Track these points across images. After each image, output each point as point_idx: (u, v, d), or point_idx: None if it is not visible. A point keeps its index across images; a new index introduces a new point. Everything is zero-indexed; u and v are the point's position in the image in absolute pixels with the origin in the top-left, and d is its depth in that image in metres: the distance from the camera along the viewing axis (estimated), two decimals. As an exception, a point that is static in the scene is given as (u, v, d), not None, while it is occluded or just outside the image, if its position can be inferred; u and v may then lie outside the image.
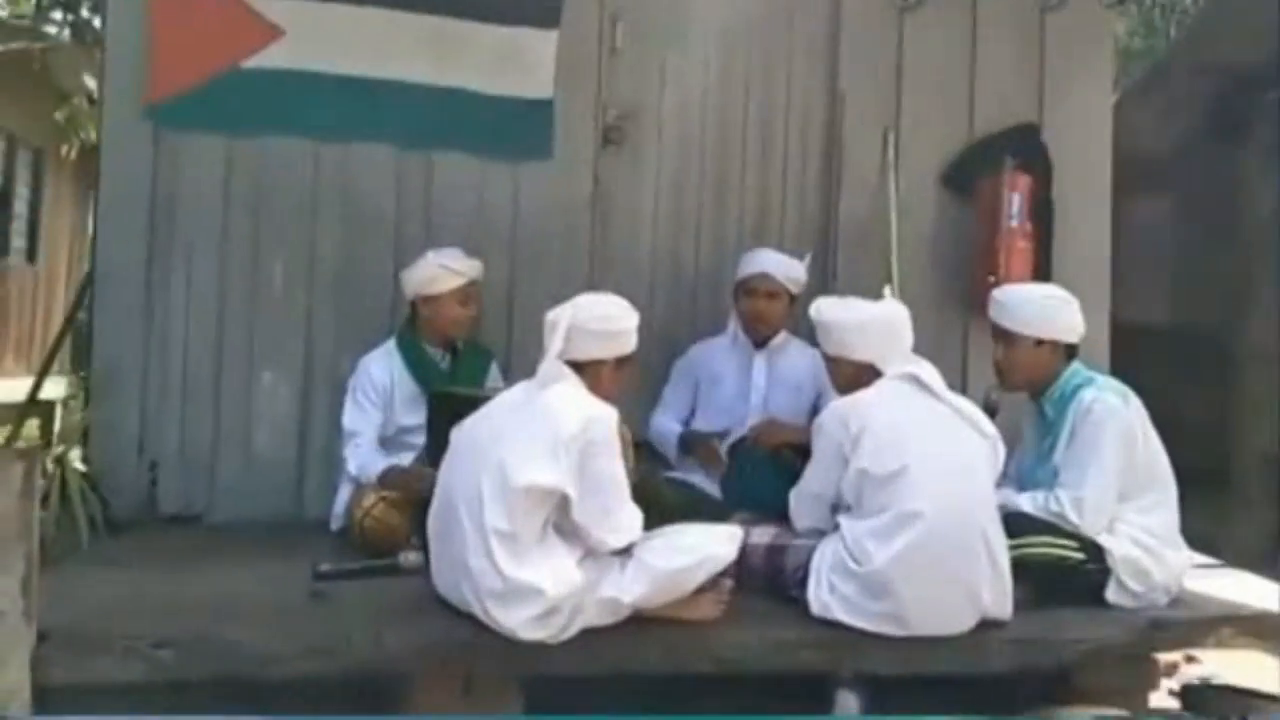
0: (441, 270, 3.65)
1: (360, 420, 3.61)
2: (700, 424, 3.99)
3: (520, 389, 2.86)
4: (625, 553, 2.72)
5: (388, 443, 3.64)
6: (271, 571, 3.10)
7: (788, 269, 3.97)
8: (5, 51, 8.10)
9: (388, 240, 4.02)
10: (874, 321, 3.06)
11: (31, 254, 9.57)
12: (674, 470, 3.92)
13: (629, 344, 2.90)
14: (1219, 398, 6.36)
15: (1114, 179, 4.64)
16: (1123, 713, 2.94)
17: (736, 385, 3.99)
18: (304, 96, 3.96)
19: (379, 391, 3.65)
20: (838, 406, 3.03)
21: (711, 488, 3.79)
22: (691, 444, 3.89)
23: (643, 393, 4.14)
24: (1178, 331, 6.49)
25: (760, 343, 3.99)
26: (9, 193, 9.19)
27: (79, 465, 3.73)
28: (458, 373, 3.72)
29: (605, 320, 2.84)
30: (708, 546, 2.78)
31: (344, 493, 3.56)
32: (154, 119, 3.88)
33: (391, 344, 3.74)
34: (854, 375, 3.10)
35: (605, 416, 2.72)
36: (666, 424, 3.99)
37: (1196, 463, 4.00)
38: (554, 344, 2.79)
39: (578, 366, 2.82)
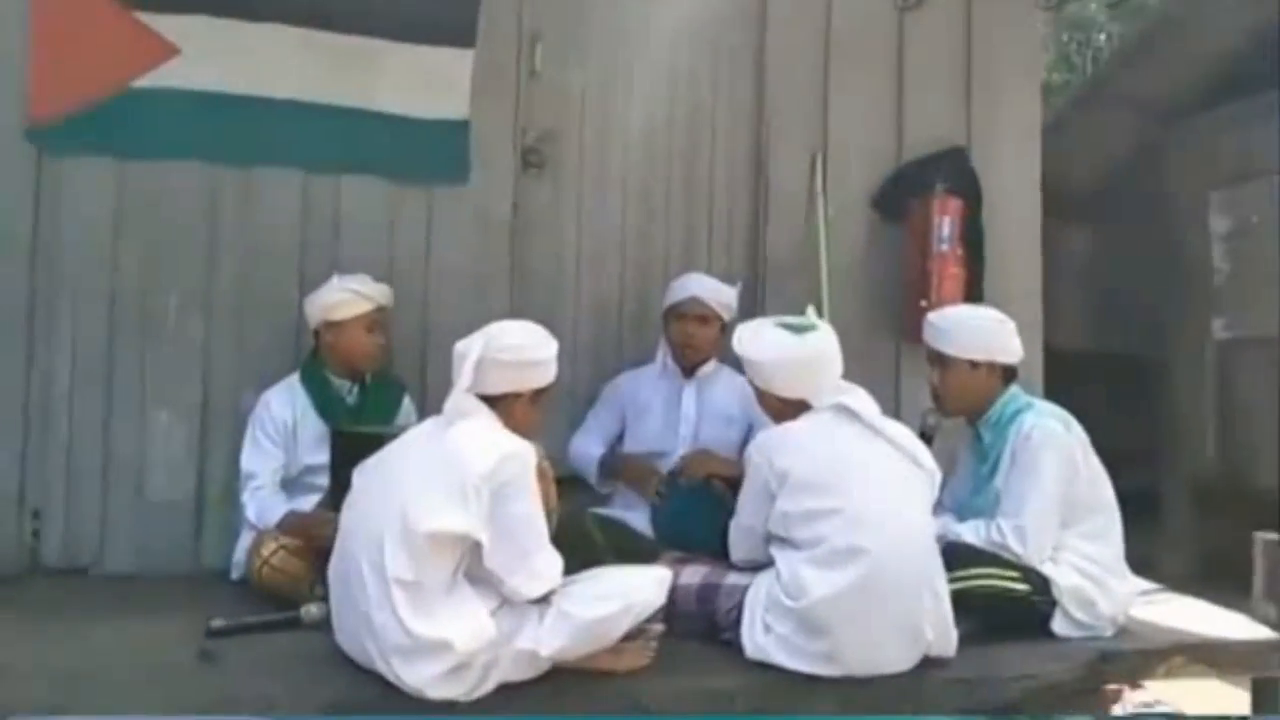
0: (347, 294, 3.44)
1: (259, 461, 3.37)
2: (629, 452, 3.82)
3: (427, 426, 2.65)
4: (544, 601, 2.52)
5: (292, 484, 3.40)
6: (159, 628, 2.84)
7: (718, 294, 3.84)
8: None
9: (292, 269, 3.78)
10: (799, 360, 2.90)
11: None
12: (602, 507, 3.73)
13: (546, 375, 2.71)
14: (1148, 423, 6.38)
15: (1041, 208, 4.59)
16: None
17: (665, 416, 3.84)
18: (201, 118, 3.72)
19: (280, 429, 3.41)
20: (764, 441, 2.88)
21: (641, 524, 3.60)
22: (620, 466, 3.71)
23: (569, 425, 3.99)
24: (1106, 357, 6.52)
25: (689, 371, 3.85)
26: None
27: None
28: (366, 407, 3.50)
29: (519, 350, 2.65)
30: (633, 592, 2.59)
31: (244, 539, 3.31)
32: (36, 142, 3.61)
33: (295, 378, 3.51)
34: (782, 408, 2.95)
35: (520, 453, 2.52)
36: (587, 447, 3.82)
37: (1128, 487, 3.94)
38: (463, 376, 2.59)
39: (490, 400, 2.62)
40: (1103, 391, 5.67)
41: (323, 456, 3.32)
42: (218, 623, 2.79)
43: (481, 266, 3.99)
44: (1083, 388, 4.07)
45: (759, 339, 2.96)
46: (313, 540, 2.95)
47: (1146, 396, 6.47)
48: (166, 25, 3.70)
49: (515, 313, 3.65)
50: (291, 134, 3.80)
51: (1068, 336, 5.86)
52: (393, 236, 3.91)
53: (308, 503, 3.28)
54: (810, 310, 3.12)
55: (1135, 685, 3.76)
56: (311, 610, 2.82)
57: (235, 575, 3.32)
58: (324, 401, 3.46)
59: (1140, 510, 5.71)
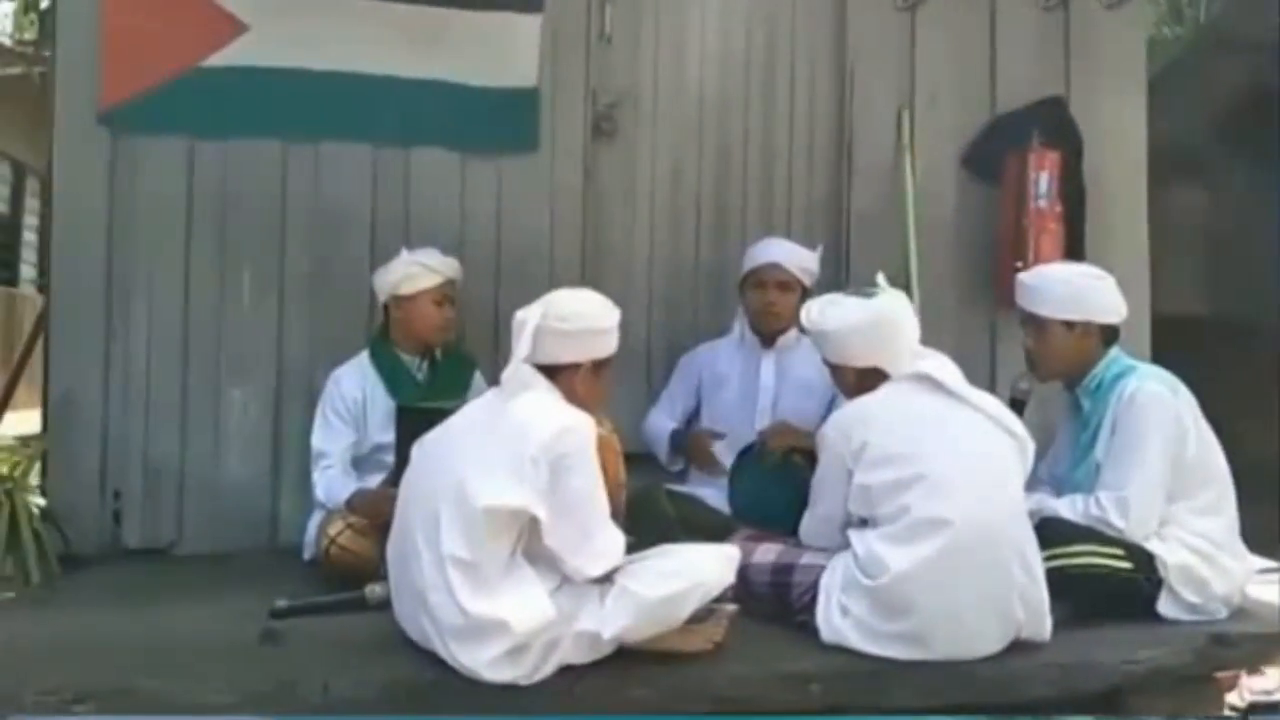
0: (416, 268, 3.38)
1: (329, 439, 3.33)
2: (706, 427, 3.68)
3: (486, 399, 2.56)
4: (606, 580, 2.40)
5: (362, 463, 3.35)
6: (230, 609, 2.81)
7: (800, 259, 3.67)
8: (6, 76, 7.95)
9: (363, 244, 3.74)
10: (869, 323, 2.73)
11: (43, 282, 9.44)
12: (677, 483, 3.61)
13: (607, 346, 2.59)
14: (1273, 392, 5.98)
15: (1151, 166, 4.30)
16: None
17: (743, 387, 3.69)
18: (270, 95, 3.70)
19: (350, 407, 3.37)
20: (840, 416, 2.72)
21: (718, 501, 3.47)
22: (684, 442, 3.58)
23: (646, 401, 3.88)
24: (1222, 324, 6.13)
25: (769, 341, 3.69)
26: (17, 221, 9.05)
27: (38, 500, 3.46)
28: (436, 384, 3.43)
29: (579, 319, 2.53)
30: (700, 570, 2.45)
31: (314, 519, 3.28)
32: (110, 125, 3.63)
33: (364, 355, 3.47)
34: (859, 381, 2.78)
35: (580, 426, 2.41)
36: (660, 422, 3.70)
37: (1250, 461, 3.66)
38: (521, 347, 2.49)
39: (549, 372, 2.52)
40: (1220, 359, 5.33)
41: (393, 434, 3.26)
42: (281, 604, 2.75)
43: (553, 237, 3.90)
44: (1197, 355, 3.79)
45: (826, 311, 2.81)
46: (380, 518, 2.89)
47: (1269, 364, 6.07)
48: (235, 3, 3.69)
49: (588, 284, 3.53)
50: (360, 108, 3.76)
51: (1181, 301, 5.53)
52: (463, 208, 3.85)
53: (377, 481, 3.23)
54: (880, 277, 2.93)
55: (1254, 670, 3.51)
56: (375, 590, 2.76)
57: (307, 555, 3.29)
58: (394, 378, 3.41)
59: (1266, 485, 5.41)
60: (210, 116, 3.68)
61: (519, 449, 2.34)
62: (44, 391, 3.64)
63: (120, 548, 3.56)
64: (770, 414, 3.59)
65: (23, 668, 2.35)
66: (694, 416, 3.77)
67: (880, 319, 2.73)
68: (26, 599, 3.06)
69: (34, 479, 3.54)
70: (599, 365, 2.58)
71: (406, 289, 3.37)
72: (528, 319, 2.51)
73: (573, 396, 2.51)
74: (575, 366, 2.53)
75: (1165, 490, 2.85)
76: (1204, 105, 6.44)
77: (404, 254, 3.43)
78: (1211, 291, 6.32)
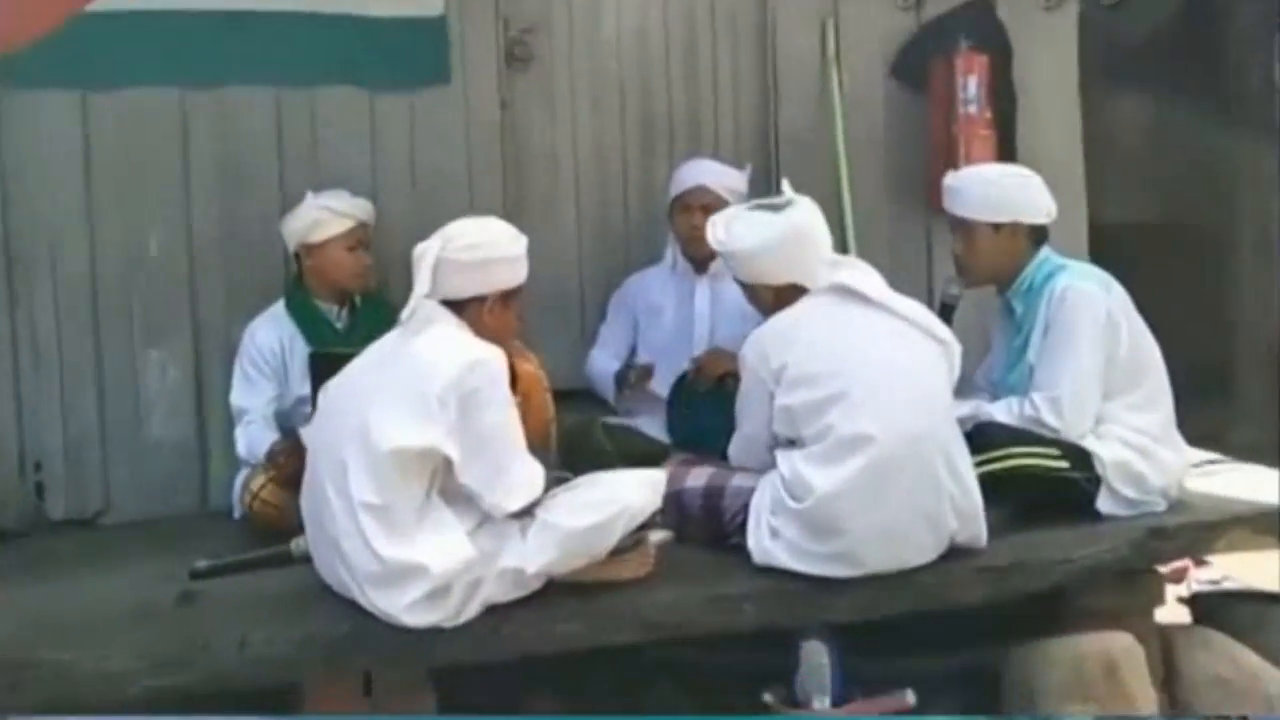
0: (323, 213, 3.25)
1: (248, 395, 3.23)
2: (642, 359, 3.60)
3: (390, 338, 2.47)
4: (528, 515, 2.34)
5: (287, 416, 3.25)
6: (152, 574, 2.71)
7: (726, 179, 3.58)
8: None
9: (272, 191, 3.57)
10: (779, 239, 2.63)
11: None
12: (613, 415, 3.54)
13: (514, 275, 2.49)
14: (1217, 293, 5.99)
15: (1086, 73, 4.20)
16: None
17: (678, 316, 3.61)
18: (165, 38, 3.51)
19: (269, 360, 3.26)
20: (757, 336, 2.64)
21: (656, 430, 3.41)
22: (625, 378, 3.51)
23: (582, 338, 3.79)
24: (1168, 227, 6.11)
25: (701, 266, 3.60)
26: None
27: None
28: (357, 331, 3.30)
29: (481, 249, 2.43)
30: (623, 498, 2.39)
31: (240, 476, 3.18)
32: (-5, 81, 3.45)
33: (280, 307, 3.35)
34: (776, 299, 2.70)
35: (489, 359, 2.32)
36: (603, 362, 3.62)
37: (1197, 362, 3.64)
38: (421, 281, 2.39)
39: (455, 306, 2.42)
40: (1163, 264, 5.32)
41: (314, 385, 3.16)
42: (201, 564, 2.67)
43: (472, 172, 3.75)
44: (1140, 260, 3.74)
45: (732, 227, 2.70)
46: (299, 469, 2.79)
47: (1212, 267, 6.07)
48: (121, -57, 3.50)
49: (510, 219, 3.44)
50: (260, 48, 3.57)
51: (1121, 208, 5.49)
52: (375, 147, 3.68)
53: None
54: (786, 185, 2.83)
55: (1200, 562, 3.52)
56: (300, 543, 2.66)
57: (237, 514, 3.20)
58: (311, 328, 3.30)
59: (1209, 383, 5.43)
60: (102, 65, 3.49)
61: (425, 387, 2.26)
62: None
63: (45, 520, 3.44)
64: (708, 341, 3.52)
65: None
66: (632, 352, 3.70)
67: (790, 233, 2.64)
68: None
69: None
70: (507, 296, 2.48)
71: (315, 236, 3.25)
72: (426, 251, 2.41)
73: (481, 330, 2.42)
74: (481, 299, 2.44)
75: (1099, 387, 2.82)
76: (1144, 5, 6.37)
77: (309, 198, 3.30)
78: (1152, 197, 6.30)
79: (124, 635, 2.29)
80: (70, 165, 3.49)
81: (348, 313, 3.38)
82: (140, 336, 3.53)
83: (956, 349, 2.63)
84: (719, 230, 2.74)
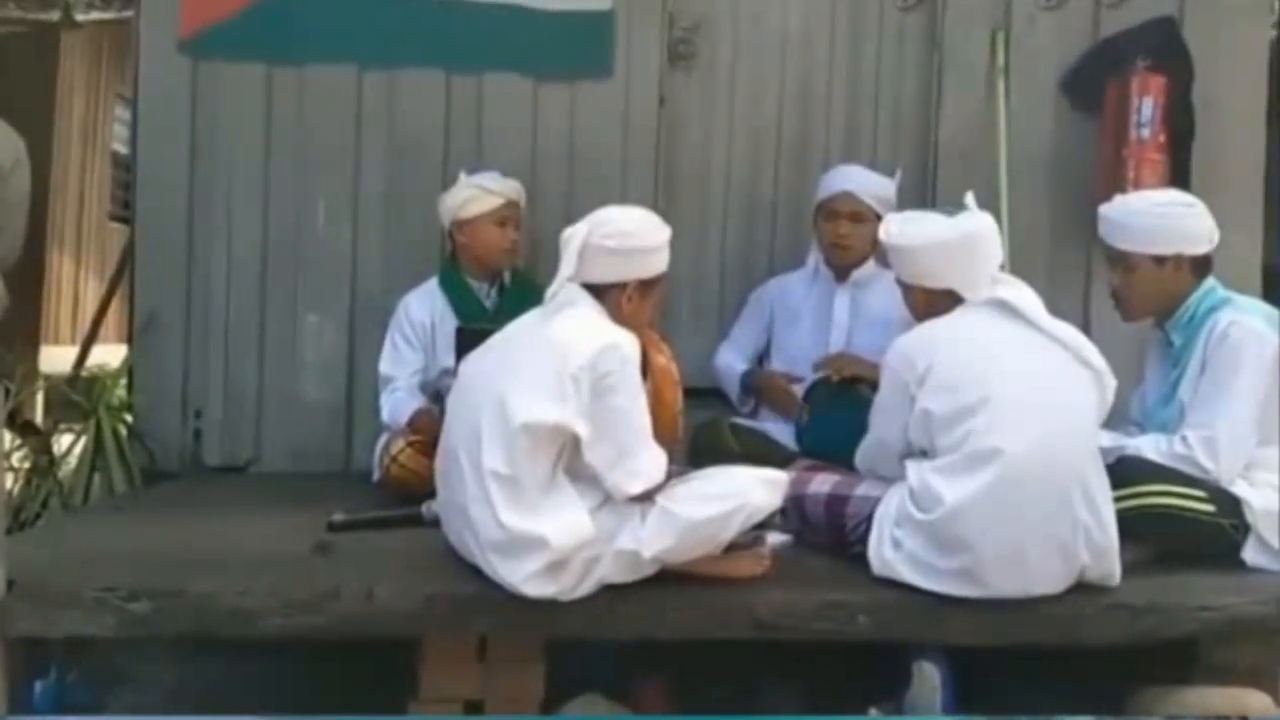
0: (474, 191, 3.37)
1: (396, 364, 3.37)
2: (775, 366, 3.60)
3: (531, 316, 2.53)
4: (648, 500, 2.37)
5: (431, 387, 3.37)
6: (293, 523, 2.85)
7: (874, 187, 3.52)
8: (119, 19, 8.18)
9: (436, 170, 3.73)
10: (947, 241, 2.59)
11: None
12: (743, 416, 3.54)
13: (655, 264, 2.53)
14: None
15: (1272, 104, 3.99)
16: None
17: (815, 323, 3.56)
18: (345, 20, 3.73)
19: (419, 332, 3.40)
20: (906, 340, 2.59)
21: (783, 436, 3.39)
22: (760, 384, 3.50)
23: (717, 335, 3.80)
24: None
25: (843, 274, 3.56)
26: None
27: (125, 418, 3.59)
28: (505, 309, 3.38)
29: (625, 237, 2.47)
30: (744, 493, 2.39)
31: (381, 440, 3.31)
32: (190, 53, 3.69)
33: (434, 281, 3.48)
34: (930, 303, 2.65)
35: (622, 344, 2.36)
36: (730, 360, 3.61)
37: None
38: (567, 264, 2.45)
39: (596, 291, 2.47)
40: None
41: (461, 358, 3.27)
42: (338, 517, 2.80)
43: (626, 164, 3.83)
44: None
45: (905, 226, 2.68)
46: (436, 435, 2.90)
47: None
48: (312, -70, 3.69)
49: (661, 214, 3.48)
50: (434, 33, 3.75)
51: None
52: (535, 134, 3.81)
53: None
54: (969, 197, 2.77)
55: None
56: (432, 507, 2.77)
57: (375, 476, 3.33)
58: (462, 304, 3.41)
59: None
60: (287, 42, 3.71)
61: (560, 366, 2.31)
62: (129, 315, 3.75)
63: (201, 465, 3.66)
64: (844, 350, 3.48)
65: (87, 568, 2.43)
66: (765, 353, 3.68)
67: (959, 237, 2.59)
68: (105, 509, 3.17)
69: (122, 397, 3.66)
70: (646, 285, 2.52)
71: (465, 213, 3.36)
72: (574, 236, 2.47)
73: (619, 316, 2.47)
74: (621, 285, 2.48)
75: (1256, 431, 2.67)
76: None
77: (463, 178, 3.43)
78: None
79: (262, 576, 2.41)
80: (252, 136, 3.73)
81: (497, 291, 3.48)
82: (302, 301, 3.74)
83: (1110, 380, 2.53)
84: (893, 225, 2.72)
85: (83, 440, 3.50)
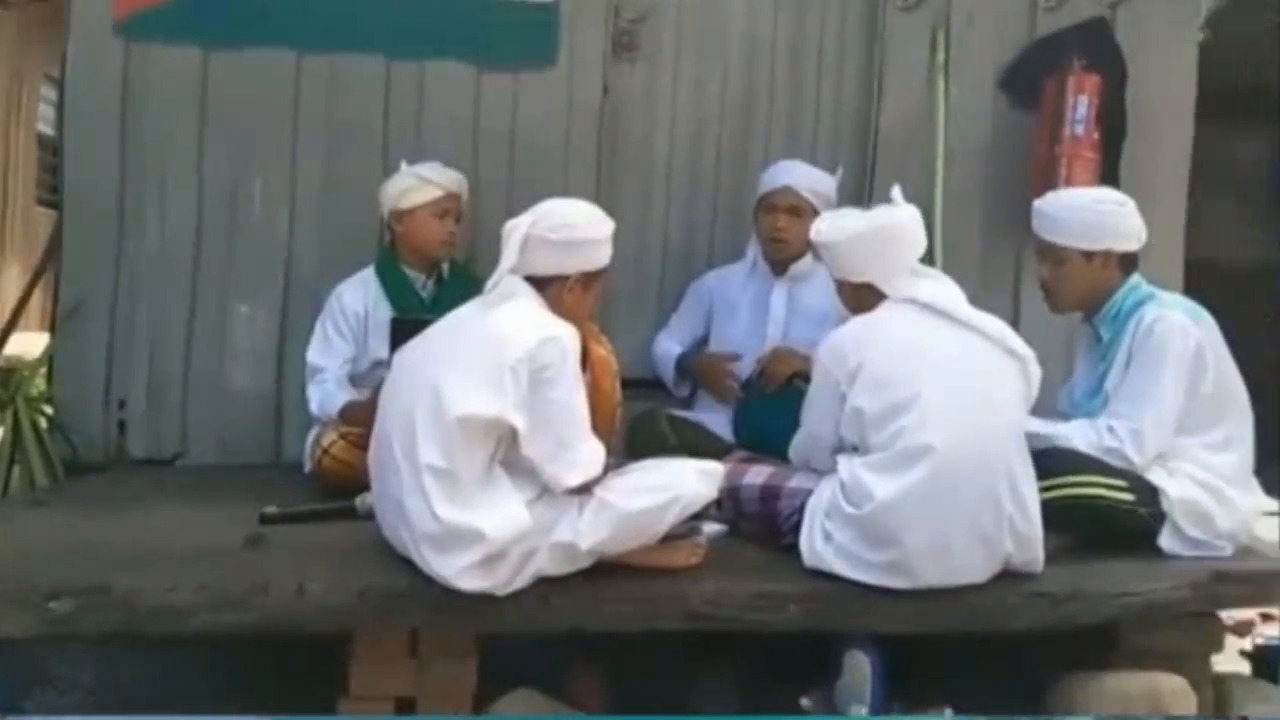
0: (414, 181, 3.33)
1: (326, 354, 3.32)
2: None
3: (470, 307, 2.51)
4: (585, 493, 2.37)
5: (363, 379, 3.33)
6: (222, 516, 2.80)
7: (815, 182, 3.55)
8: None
9: (375, 158, 3.68)
10: (866, 234, 2.63)
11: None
12: (680, 407, 3.56)
13: (598, 258, 2.53)
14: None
15: (1201, 107, 4.07)
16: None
17: (753, 316, 3.59)
18: (284, 3, 3.66)
19: (351, 323, 3.35)
20: (837, 337, 2.63)
21: (721, 427, 3.42)
22: (698, 365, 3.52)
23: (655, 326, 3.81)
24: (1269, 269, 5.91)
25: (781, 269, 3.59)
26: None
27: (45, 409, 3.50)
28: (442, 300, 3.36)
29: (568, 229, 2.47)
30: (680, 485, 2.41)
31: (312, 432, 3.27)
32: (124, 34, 3.60)
33: (369, 270, 3.44)
34: (858, 298, 2.70)
35: (562, 336, 2.36)
36: (667, 346, 3.65)
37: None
38: (508, 256, 2.44)
39: (538, 283, 2.47)
40: (1260, 306, 5.14)
41: (394, 350, 3.24)
42: (270, 510, 2.76)
43: (569, 155, 3.81)
44: (1237, 301, 3.62)
45: (830, 221, 2.74)
46: (369, 427, 2.87)
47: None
48: (248, -90, 3.63)
49: (603, 204, 3.48)
50: (373, 18, 3.69)
51: (1223, 246, 5.31)
52: (477, 123, 3.77)
53: (378, 396, 3.21)
54: (896, 191, 2.81)
55: (1267, 617, 3.41)
56: (366, 500, 2.74)
57: (307, 468, 3.28)
58: (398, 294, 3.38)
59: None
60: (224, 25, 3.63)
61: (499, 358, 2.30)
62: (53, 302, 3.66)
63: (126, 457, 3.58)
64: (779, 343, 3.49)
65: (4, 566, 2.37)
66: (702, 343, 3.70)
67: (874, 230, 2.64)
68: (24, 503, 3.10)
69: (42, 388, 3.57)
70: (588, 278, 2.52)
71: (405, 203, 3.33)
72: (516, 227, 2.46)
73: (560, 309, 2.46)
74: (563, 278, 2.48)
75: (1176, 424, 2.74)
76: (1267, 40, 6.15)
77: (404, 167, 3.39)
78: (1256, 238, 6.09)
79: (190, 571, 2.37)
80: (186, 119, 3.64)
81: (434, 282, 3.45)
82: (234, 289, 3.67)
83: (1035, 367, 2.59)
84: (821, 224, 2.77)
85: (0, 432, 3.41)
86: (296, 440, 3.51)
